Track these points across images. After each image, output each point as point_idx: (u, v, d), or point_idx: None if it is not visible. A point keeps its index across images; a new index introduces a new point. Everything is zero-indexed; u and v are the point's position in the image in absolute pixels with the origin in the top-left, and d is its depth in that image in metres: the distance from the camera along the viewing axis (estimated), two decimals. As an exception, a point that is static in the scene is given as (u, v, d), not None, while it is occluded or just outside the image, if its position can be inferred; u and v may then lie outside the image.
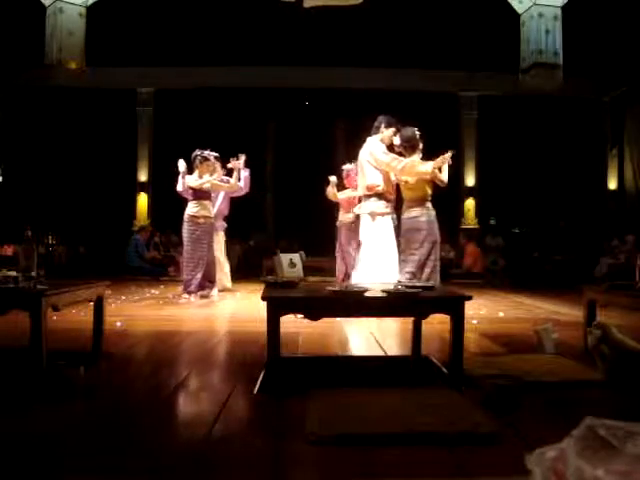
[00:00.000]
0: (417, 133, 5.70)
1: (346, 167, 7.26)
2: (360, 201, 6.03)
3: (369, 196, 5.72)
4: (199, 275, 6.48)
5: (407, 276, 5.34)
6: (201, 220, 6.56)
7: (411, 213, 5.49)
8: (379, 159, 5.62)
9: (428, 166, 5.43)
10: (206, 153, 6.72)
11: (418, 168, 5.46)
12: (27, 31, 8.66)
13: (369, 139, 5.80)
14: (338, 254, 7.39)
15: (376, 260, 5.56)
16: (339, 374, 2.95)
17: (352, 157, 6.84)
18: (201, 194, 6.61)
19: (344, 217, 7.29)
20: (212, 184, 6.68)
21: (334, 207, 7.62)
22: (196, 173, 6.67)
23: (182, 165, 6.78)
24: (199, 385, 2.87)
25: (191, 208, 6.59)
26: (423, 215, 5.48)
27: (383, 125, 5.80)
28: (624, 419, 1.33)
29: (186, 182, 6.68)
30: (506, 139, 12.53)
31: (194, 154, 6.70)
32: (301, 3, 7.01)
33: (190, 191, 6.67)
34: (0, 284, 2.76)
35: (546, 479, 1.26)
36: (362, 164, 5.82)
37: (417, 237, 5.44)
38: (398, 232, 5.64)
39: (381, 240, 5.60)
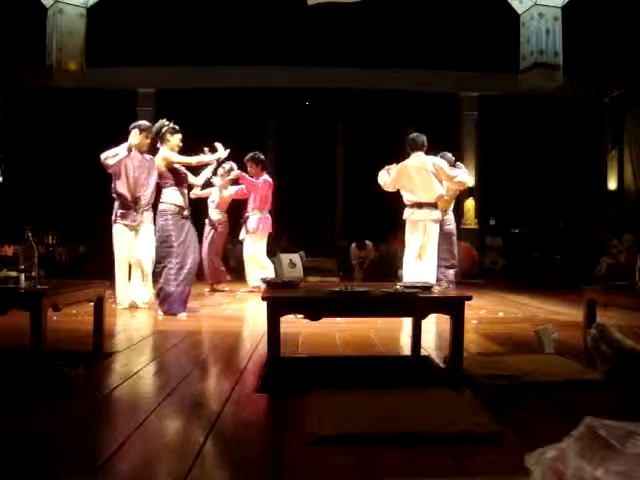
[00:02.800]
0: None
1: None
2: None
3: (430, 205, 5.97)
4: None
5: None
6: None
7: (447, 220, 6.68)
8: (447, 173, 6.12)
9: (464, 176, 6.39)
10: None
11: (460, 179, 6.27)
12: (27, 32, 8.66)
13: (422, 154, 6.09)
14: None
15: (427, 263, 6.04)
16: (339, 374, 2.95)
17: (352, 157, 6.85)
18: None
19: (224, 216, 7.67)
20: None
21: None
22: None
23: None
24: (199, 385, 2.87)
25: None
26: (452, 221, 6.84)
27: (425, 143, 6.18)
28: (624, 419, 1.33)
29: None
30: (506, 139, 12.52)
31: (160, 124, 5.53)
32: (305, 2, 7.00)
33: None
34: (0, 284, 2.76)
35: (546, 479, 1.26)
36: (418, 175, 5.99)
37: (453, 240, 6.82)
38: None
39: (435, 244, 6.09)
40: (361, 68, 11.80)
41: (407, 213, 6.06)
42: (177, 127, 5.53)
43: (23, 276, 2.83)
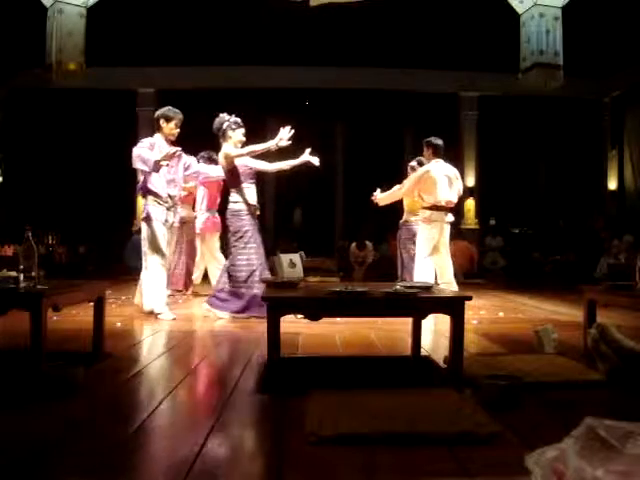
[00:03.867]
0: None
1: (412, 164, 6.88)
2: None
3: (448, 209, 6.08)
4: None
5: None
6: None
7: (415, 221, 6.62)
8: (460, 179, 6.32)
9: None
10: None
11: None
12: (27, 32, 8.65)
13: (442, 161, 6.14)
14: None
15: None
16: (339, 374, 2.95)
17: (352, 157, 6.85)
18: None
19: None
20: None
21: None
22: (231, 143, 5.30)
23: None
24: (199, 385, 2.87)
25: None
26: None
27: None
28: (624, 419, 1.33)
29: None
30: (506, 139, 12.53)
31: (220, 119, 5.37)
32: (307, 2, 6.98)
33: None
34: (0, 284, 2.76)
35: (546, 479, 1.26)
36: (443, 179, 6.04)
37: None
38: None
39: (448, 245, 6.18)
40: (361, 68, 11.80)
41: (425, 214, 6.08)
42: (239, 121, 5.33)
43: (23, 276, 2.83)
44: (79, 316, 4.70)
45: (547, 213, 12.91)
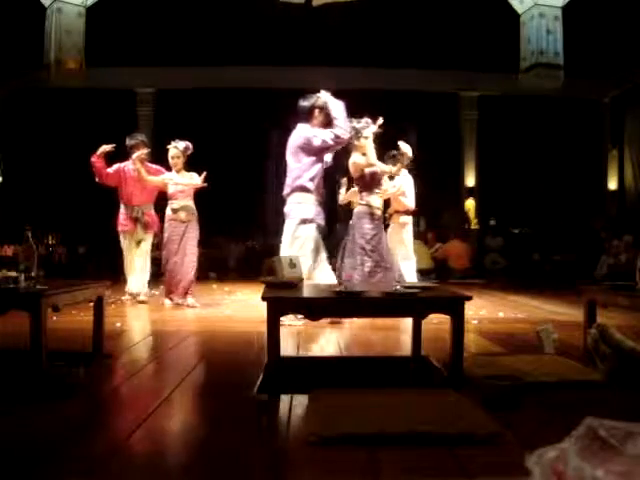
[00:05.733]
0: None
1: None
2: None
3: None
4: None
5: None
6: None
7: None
8: None
9: None
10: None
11: None
12: (26, 31, 8.65)
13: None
14: None
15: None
16: (339, 374, 2.95)
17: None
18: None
19: None
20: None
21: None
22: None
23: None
24: (199, 385, 2.87)
25: None
26: None
27: None
28: (624, 419, 1.33)
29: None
30: (506, 139, 12.52)
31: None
32: (310, 3, 6.99)
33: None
34: (0, 284, 2.76)
35: (546, 479, 1.26)
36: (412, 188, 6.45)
37: None
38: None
39: None
40: (361, 68, 11.80)
41: (405, 219, 6.43)
42: (367, 133, 5.27)
43: (23, 276, 2.82)
44: (79, 316, 4.70)
45: (547, 213, 12.91)
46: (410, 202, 6.46)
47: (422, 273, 7.77)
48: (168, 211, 6.17)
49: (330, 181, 6.78)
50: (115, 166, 6.35)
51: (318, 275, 4.88)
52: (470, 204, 12.85)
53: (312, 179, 4.83)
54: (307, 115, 5.01)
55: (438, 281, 8.49)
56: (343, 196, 6.35)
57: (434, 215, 12.05)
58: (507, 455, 1.82)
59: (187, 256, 6.02)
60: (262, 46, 10.86)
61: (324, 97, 4.96)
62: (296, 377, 2.83)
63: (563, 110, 12.46)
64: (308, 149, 4.84)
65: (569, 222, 12.80)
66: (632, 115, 12.50)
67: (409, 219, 6.56)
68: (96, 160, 6.20)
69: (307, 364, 3.25)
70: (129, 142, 6.30)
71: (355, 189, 6.41)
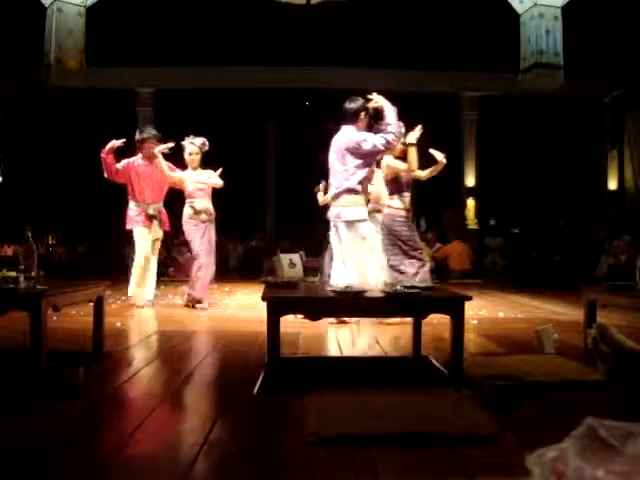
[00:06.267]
0: None
1: None
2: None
3: None
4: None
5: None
6: None
7: None
8: None
9: None
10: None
11: None
12: (27, 31, 8.66)
13: None
14: None
15: None
16: (339, 374, 2.95)
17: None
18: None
19: None
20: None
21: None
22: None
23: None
24: (199, 385, 2.87)
25: None
26: None
27: None
28: (624, 419, 1.33)
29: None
30: (506, 139, 12.53)
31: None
32: (309, 2, 6.99)
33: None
34: (0, 284, 2.76)
35: (546, 479, 1.26)
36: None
37: None
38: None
39: None
40: (362, 68, 11.80)
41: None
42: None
43: (23, 276, 2.82)
44: (79, 316, 4.69)
45: (547, 213, 12.91)
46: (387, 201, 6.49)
47: None
48: (187, 210, 5.93)
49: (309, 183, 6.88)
50: (124, 162, 6.04)
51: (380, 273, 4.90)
52: (470, 204, 12.85)
53: (361, 182, 4.80)
54: (353, 117, 4.94)
55: (438, 281, 8.50)
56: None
57: (434, 215, 12.06)
58: (507, 455, 1.82)
59: (211, 256, 5.94)
60: (262, 46, 10.87)
61: (380, 100, 4.92)
62: (296, 377, 2.83)
63: (563, 110, 12.46)
64: (357, 152, 4.79)
65: (569, 222, 12.80)
66: (632, 115, 12.50)
67: None
68: (106, 156, 5.87)
69: (307, 364, 3.25)
70: (140, 136, 6.05)
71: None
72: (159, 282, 6.95)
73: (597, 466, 1.20)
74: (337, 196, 4.82)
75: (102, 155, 5.86)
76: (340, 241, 4.79)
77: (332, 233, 4.91)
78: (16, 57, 10.37)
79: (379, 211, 6.44)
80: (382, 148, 4.75)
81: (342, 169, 4.80)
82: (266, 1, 8.33)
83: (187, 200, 5.96)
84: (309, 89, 12.26)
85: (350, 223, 4.73)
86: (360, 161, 4.77)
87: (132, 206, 6.09)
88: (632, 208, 12.41)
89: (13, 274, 2.85)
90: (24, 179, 12.12)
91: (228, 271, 11.54)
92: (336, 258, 4.90)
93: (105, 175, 5.99)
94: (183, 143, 6.03)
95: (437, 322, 4.52)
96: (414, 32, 10.44)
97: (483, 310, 5.82)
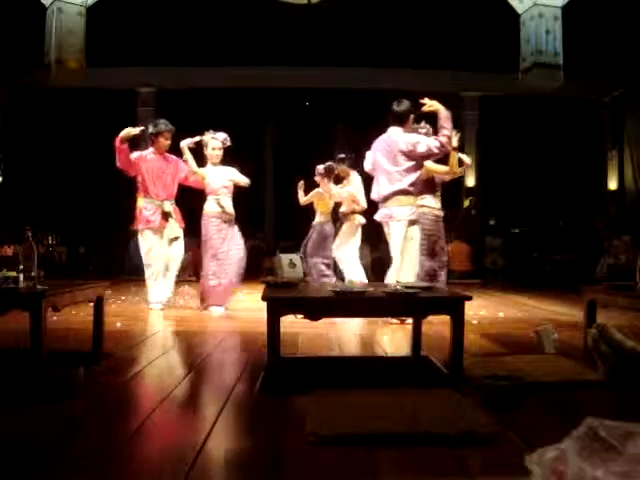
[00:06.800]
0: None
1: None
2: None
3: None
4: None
5: None
6: None
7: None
8: None
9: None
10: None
11: None
12: (27, 31, 8.65)
13: None
14: None
15: None
16: (339, 374, 2.95)
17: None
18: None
19: None
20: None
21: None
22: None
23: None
24: (199, 385, 2.87)
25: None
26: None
27: None
28: (624, 419, 1.33)
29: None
30: (506, 139, 12.52)
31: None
32: (310, 1, 6.99)
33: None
34: (0, 284, 2.76)
35: (546, 479, 1.26)
36: None
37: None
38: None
39: None
40: (362, 68, 11.79)
41: (361, 219, 6.75)
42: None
43: (23, 276, 2.82)
44: (79, 316, 4.70)
45: (547, 213, 12.91)
46: (364, 202, 6.61)
47: None
48: (212, 206, 5.72)
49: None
50: (136, 154, 5.73)
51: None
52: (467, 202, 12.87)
53: (413, 184, 4.91)
54: (401, 119, 5.02)
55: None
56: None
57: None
58: (507, 455, 1.82)
59: (232, 260, 5.74)
60: (263, 46, 10.86)
61: (435, 104, 4.96)
62: (296, 377, 2.83)
63: (563, 110, 12.46)
64: (411, 155, 4.88)
65: (569, 222, 12.79)
66: (632, 115, 12.50)
67: (363, 220, 6.69)
68: (120, 145, 5.47)
69: (307, 364, 3.25)
70: (154, 129, 5.75)
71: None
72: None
73: (597, 466, 1.20)
74: (389, 197, 4.91)
75: (116, 144, 5.49)
76: (390, 240, 4.92)
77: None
78: (16, 57, 10.37)
79: (354, 212, 6.56)
80: (436, 151, 4.88)
81: (394, 170, 4.89)
82: (267, 1, 8.32)
83: (210, 197, 5.76)
84: (310, 89, 12.26)
85: (403, 223, 4.84)
86: (413, 163, 4.88)
87: (145, 204, 5.75)
88: (632, 208, 12.40)
89: (13, 274, 2.85)
90: (24, 179, 12.11)
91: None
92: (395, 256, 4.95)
93: (118, 165, 5.62)
94: (204, 138, 5.85)
95: (437, 322, 4.54)
96: (415, 32, 10.44)
97: (483, 310, 5.82)
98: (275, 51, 11.03)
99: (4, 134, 12.07)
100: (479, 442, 1.91)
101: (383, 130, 5.21)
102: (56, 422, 2.13)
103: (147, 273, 5.74)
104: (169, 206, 5.77)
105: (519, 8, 7.75)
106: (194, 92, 11.99)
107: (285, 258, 5.19)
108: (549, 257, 11.69)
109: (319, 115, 12.59)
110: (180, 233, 5.81)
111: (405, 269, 4.80)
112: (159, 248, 5.70)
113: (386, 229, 4.97)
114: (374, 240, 11.31)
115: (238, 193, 6.04)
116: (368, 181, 6.51)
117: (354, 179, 6.74)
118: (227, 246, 5.72)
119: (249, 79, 11.92)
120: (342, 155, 6.83)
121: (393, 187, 4.86)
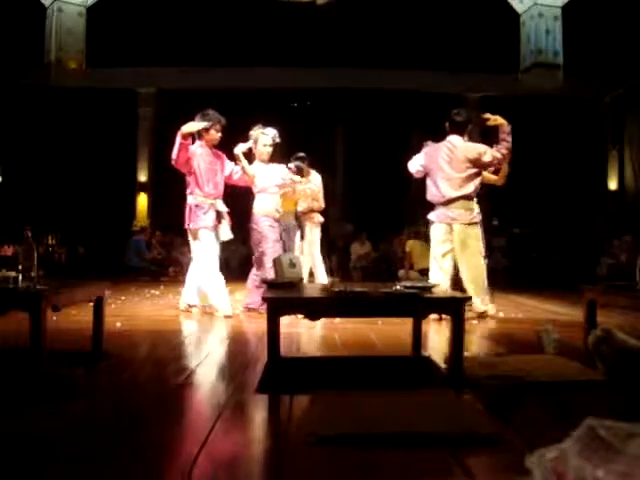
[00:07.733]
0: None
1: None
2: None
3: None
4: None
5: None
6: None
7: None
8: None
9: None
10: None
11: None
12: (27, 31, 8.66)
13: None
14: None
15: None
16: (339, 374, 2.95)
17: (352, 157, 6.88)
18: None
19: None
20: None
21: None
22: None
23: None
24: (199, 385, 2.87)
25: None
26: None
27: None
28: (624, 419, 1.32)
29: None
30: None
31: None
32: (314, 2, 6.99)
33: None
34: (0, 284, 2.76)
35: (546, 479, 1.26)
36: None
37: None
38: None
39: None
40: (364, 68, 11.80)
41: (321, 218, 6.76)
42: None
43: (23, 276, 2.82)
44: (79, 316, 4.69)
45: (547, 213, 12.90)
46: (323, 201, 6.69)
47: (423, 273, 7.77)
48: (262, 207, 5.45)
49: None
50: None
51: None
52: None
53: (475, 189, 5.37)
54: (461, 128, 5.45)
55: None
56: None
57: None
58: (507, 455, 1.81)
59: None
60: (264, 46, 10.87)
61: (499, 119, 5.56)
62: (296, 377, 2.83)
63: (563, 110, 12.46)
64: (477, 163, 5.31)
65: (569, 222, 12.79)
66: (632, 115, 12.50)
67: (322, 218, 6.73)
68: (184, 140, 5.09)
69: (307, 364, 3.24)
70: (203, 120, 5.39)
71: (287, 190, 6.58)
72: (159, 282, 6.96)
73: (597, 466, 1.19)
74: (452, 201, 5.26)
75: (180, 139, 5.07)
76: (452, 242, 5.22)
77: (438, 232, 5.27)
78: (16, 57, 10.37)
79: (313, 210, 6.54)
80: (496, 162, 5.51)
81: (456, 176, 5.28)
82: (269, 1, 8.33)
83: (260, 195, 5.49)
84: (311, 89, 12.26)
85: (467, 225, 5.25)
86: (476, 170, 5.35)
87: (198, 202, 5.25)
88: (632, 208, 12.41)
89: (13, 274, 2.85)
90: (24, 179, 12.12)
91: (229, 271, 11.53)
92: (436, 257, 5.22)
93: (173, 161, 5.20)
94: (252, 133, 5.64)
95: (437, 322, 4.54)
96: (416, 33, 10.45)
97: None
98: (277, 51, 11.04)
99: (4, 134, 12.07)
100: (479, 442, 1.91)
101: (385, 131, 5.27)
102: (56, 422, 2.13)
103: (208, 274, 5.26)
104: (222, 205, 5.40)
105: (519, 8, 7.76)
106: (194, 92, 11.99)
107: (285, 258, 5.19)
108: (549, 257, 11.69)
109: (321, 115, 12.59)
110: (231, 237, 5.49)
111: (472, 269, 5.16)
112: (215, 249, 5.31)
113: (439, 229, 5.25)
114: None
115: (238, 193, 6.02)
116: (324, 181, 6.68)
117: (314, 178, 6.71)
118: (279, 249, 5.39)
119: (249, 79, 11.93)
120: (301, 154, 6.76)
121: (458, 192, 5.24)
